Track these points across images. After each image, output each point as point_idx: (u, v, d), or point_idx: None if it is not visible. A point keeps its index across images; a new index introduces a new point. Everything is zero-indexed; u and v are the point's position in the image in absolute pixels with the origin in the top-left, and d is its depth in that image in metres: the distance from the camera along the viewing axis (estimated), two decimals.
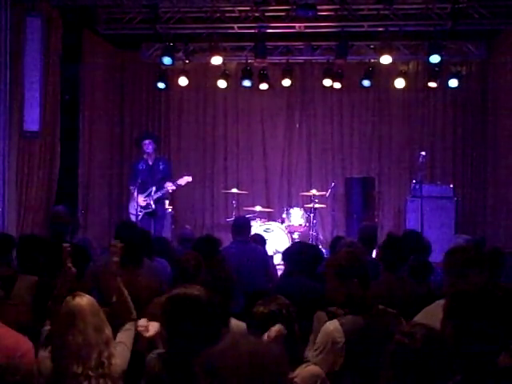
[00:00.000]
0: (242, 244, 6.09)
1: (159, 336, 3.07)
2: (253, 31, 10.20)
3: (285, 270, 5.48)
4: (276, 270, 6.72)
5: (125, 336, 3.26)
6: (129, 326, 3.32)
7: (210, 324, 2.67)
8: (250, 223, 6.85)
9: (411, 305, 3.72)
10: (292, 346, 2.83)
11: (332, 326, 3.18)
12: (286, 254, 5.21)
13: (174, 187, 9.40)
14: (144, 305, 4.04)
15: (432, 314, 3.22)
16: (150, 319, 3.70)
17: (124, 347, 3.17)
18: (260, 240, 6.91)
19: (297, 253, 4.92)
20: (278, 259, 9.26)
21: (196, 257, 4.25)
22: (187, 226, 7.69)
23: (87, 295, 3.06)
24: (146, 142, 9.46)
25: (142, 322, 3.26)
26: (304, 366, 2.91)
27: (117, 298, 3.38)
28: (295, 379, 2.78)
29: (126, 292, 3.39)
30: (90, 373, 2.84)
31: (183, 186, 9.68)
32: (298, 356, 2.92)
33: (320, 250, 7.10)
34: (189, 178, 9.47)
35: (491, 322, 2.01)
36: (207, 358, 1.88)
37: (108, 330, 3.00)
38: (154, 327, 3.19)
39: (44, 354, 3.03)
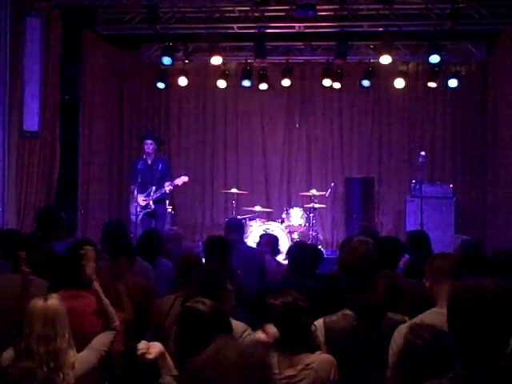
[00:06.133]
0: (235, 244, 6.10)
1: (163, 357, 2.74)
2: (253, 31, 10.19)
3: (285, 270, 5.49)
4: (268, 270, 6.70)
5: (96, 341, 3.14)
6: (105, 333, 3.19)
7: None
8: (243, 224, 6.88)
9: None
10: (306, 336, 2.98)
11: (317, 323, 3.30)
12: (288, 254, 5.23)
13: (172, 187, 9.43)
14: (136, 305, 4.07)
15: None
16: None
17: (89, 352, 3.06)
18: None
19: (297, 252, 4.93)
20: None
21: (195, 256, 4.26)
22: (174, 227, 7.74)
23: (55, 299, 2.93)
24: (148, 142, 9.48)
25: (142, 344, 2.80)
26: (318, 353, 3.04)
27: (97, 307, 3.27)
28: (312, 365, 2.91)
29: (105, 300, 3.27)
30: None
31: (180, 186, 9.70)
32: (311, 345, 3.05)
33: (320, 250, 7.10)
34: (185, 178, 9.47)
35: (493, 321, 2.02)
36: (194, 365, 1.83)
37: (61, 341, 2.85)
38: (155, 348, 2.77)
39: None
